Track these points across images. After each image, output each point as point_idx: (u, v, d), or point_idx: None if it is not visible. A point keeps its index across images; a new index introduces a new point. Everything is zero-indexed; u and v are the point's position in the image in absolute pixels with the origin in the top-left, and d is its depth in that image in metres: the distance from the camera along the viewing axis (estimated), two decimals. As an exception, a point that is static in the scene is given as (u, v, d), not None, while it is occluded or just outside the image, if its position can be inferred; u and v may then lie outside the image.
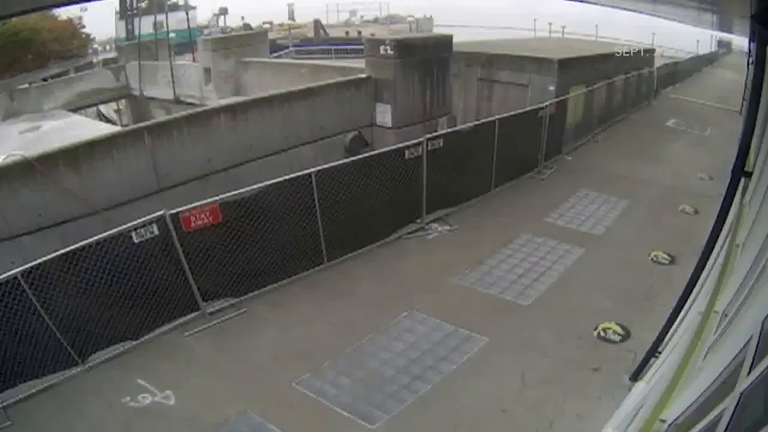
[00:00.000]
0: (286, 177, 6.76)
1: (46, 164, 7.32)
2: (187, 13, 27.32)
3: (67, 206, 7.48)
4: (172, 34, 21.90)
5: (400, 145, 8.08)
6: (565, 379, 5.31)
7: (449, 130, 9.59)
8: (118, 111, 23.42)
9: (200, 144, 9.07)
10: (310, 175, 6.91)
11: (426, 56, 11.53)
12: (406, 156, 8.00)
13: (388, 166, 7.79)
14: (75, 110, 18.62)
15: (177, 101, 17.08)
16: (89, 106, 20.26)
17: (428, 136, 8.33)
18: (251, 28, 34.82)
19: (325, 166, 7.13)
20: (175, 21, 24.55)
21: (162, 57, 19.64)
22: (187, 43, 24.63)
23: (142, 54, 18.66)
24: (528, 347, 5.84)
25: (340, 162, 7.28)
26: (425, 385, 5.34)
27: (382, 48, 11.04)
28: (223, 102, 11.76)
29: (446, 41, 12.17)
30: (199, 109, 10.00)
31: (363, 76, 11.40)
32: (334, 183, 7.18)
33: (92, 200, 7.74)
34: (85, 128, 13.68)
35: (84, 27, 29.30)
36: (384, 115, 11.39)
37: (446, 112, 12.34)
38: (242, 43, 16.30)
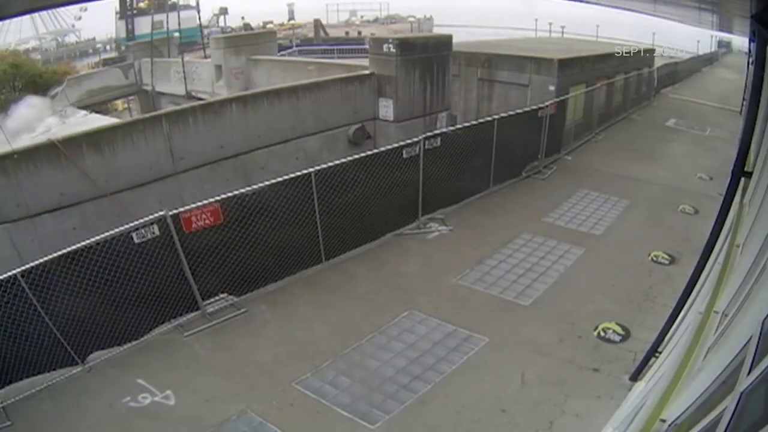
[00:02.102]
0: (286, 177, 6.80)
1: (71, 146, 7.78)
2: (198, 13, 28.04)
3: (87, 187, 7.91)
4: (177, 33, 22.37)
5: (398, 144, 8.10)
6: (565, 379, 5.31)
7: (447, 129, 9.65)
8: (127, 108, 23.89)
9: (213, 131, 9.61)
10: (309, 174, 6.92)
11: (427, 54, 11.88)
12: (404, 155, 8.01)
13: (386, 165, 7.80)
14: (85, 107, 19.07)
15: (189, 96, 17.46)
16: (99, 103, 20.77)
17: (425, 135, 8.33)
18: (251, 28, 35.07)
19: (324, 165, 7.16)
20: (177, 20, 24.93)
21: (169, 55, 20.03)
22: (190, 41, 24.97)
23: (149, 52, 19.12)
24: (528, 347, 5.84)
25: (339, 161, 7.31)
26: (425, 385, 5.33)
27: (385, 46, 11.48)
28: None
29: (446, 41, 12.49)
30: (213, 99, 10.45)
31: (366, 72, 11.81)
32: (332, 182, 7.19)
33: (112, 180, 8.18)
34: (95, 124, 13.84)
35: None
36: (386, 109, 11.80)
37: (446, 107, 12.70)
38: (252, 42, 17.02)
